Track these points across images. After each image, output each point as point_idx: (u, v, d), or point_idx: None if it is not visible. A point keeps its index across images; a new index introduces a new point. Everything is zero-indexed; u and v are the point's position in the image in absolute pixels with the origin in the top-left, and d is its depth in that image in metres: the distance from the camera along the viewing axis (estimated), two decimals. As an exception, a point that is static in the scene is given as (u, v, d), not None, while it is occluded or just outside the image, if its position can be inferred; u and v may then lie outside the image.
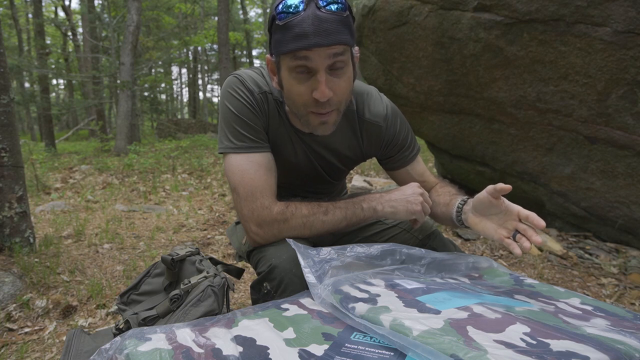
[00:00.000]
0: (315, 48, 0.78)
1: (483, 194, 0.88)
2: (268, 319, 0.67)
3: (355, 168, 5.38)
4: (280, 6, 0.78)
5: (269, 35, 0.85)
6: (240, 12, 21.25)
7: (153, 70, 17.15)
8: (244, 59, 23.06)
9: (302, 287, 0.82)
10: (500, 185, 0.83)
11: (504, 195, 0.86)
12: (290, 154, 1.03)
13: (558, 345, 0.53)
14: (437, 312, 0.63)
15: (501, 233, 0.86)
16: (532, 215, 0.81)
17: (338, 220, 0.92)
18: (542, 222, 0.79)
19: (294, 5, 0.77)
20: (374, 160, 1.16)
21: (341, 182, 1.27)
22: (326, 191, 1.21)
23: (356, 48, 0.90)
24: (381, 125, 1.04)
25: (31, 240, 2.25)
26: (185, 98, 30.42)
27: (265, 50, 22.62)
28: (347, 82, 0.87)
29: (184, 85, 29.47)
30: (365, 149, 1.08)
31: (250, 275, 2.11)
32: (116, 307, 1.15)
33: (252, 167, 0.92)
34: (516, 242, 0.84)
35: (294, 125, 0.99)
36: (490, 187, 0.86)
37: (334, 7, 0.78)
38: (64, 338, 1.35)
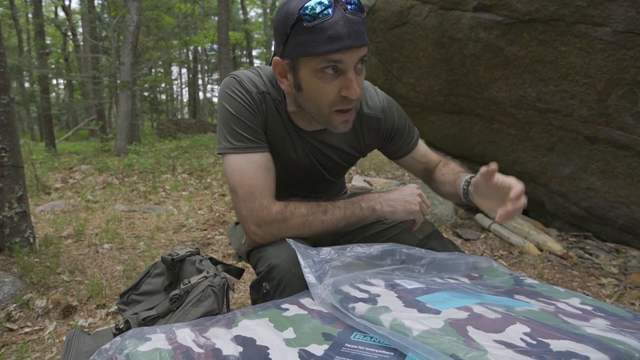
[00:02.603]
0: (350, 50, 0.79)
1: (477, 178, 0.91)
2: (268, 319, 0.67)
3: (355, 168, 5.38)
4: (306, 8, 0.77)
5: (284, 37, 0.83)
6: (240, 12, 21.24)
7: (153, 70, 17.13)
8: (244, 59, 23.03)
9: (301, 287, 0.82)
10: (485, 169, 0.86)
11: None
12: (290, 153, 1.03)
13: (558, 345, 0.53)
14: (437, 312, 0.63)
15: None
16: (513, 185, 0.82)
17: (337, 219, 0.92)
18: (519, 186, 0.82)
19: (322, 7, 0.77)
20: (374, 160, 1.18)
21: (340, 181, 1.27)
22: (325, 190, 1.21)
23: None
24: (380, 118, 1.06)
25: (31, 240, 2.25)
26: (185, 98, 30.40)
27: (265, 51, 22.58)
28: (364, 80, 0.92)
29: (184, 85, 29.44)
30: (366, 143, 1.10)
31: (250, 275, 2.11)
32: (116, 307, 1.15)
33: (251, 167, 0.92)
34: None
35: (295, 123, 0.99)
36: (482, 169, 0.87)
37: (356, 7, 0.80)
38: (64, 338, 1.35)
